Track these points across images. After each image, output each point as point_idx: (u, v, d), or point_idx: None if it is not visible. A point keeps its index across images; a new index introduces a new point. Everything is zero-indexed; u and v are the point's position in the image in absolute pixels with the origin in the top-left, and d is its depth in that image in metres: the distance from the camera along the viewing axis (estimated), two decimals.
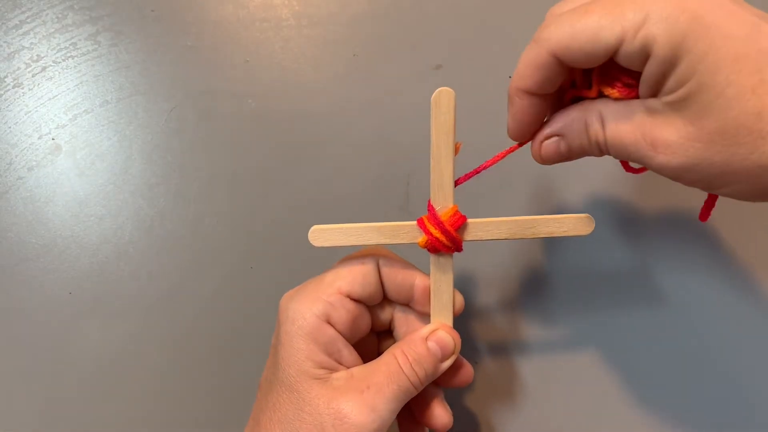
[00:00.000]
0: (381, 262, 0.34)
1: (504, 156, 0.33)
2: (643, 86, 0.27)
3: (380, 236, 0.33)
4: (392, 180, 0.44)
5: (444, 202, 0.33)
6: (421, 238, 0.33)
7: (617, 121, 0.28)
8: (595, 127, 0.29)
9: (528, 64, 0.28)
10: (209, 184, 0.45)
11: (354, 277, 0.33)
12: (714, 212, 0.32)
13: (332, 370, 0.32)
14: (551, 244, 0.44)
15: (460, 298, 0.35)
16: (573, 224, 0.33)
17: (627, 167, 0.34)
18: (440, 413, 0.35)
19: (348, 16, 0.46)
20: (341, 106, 0.45)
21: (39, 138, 0.45)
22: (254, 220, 0.44)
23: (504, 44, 0.45)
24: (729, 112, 0.25)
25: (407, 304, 0.35)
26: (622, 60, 0.26)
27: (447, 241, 0.32)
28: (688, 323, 0.43)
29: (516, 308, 0.43)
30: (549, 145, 0.31)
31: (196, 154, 0.45)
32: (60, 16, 0.46)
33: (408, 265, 0.35)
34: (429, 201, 0.33)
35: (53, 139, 0.45)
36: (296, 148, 0.45)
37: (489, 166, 0.33)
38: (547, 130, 0.31)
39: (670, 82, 0.25)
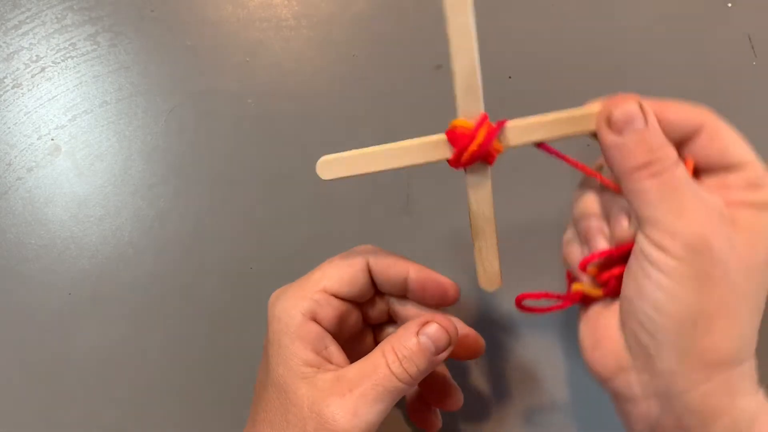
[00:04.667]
0: (371, 260, 0.34)
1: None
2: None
3: (405, 157, 0.30)
4: (393, 181, 0.44)
5: (474, 109, 0.29)
6: (451, 153, 0.29)
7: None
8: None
9: None
10: (209, 184, 0.45)
11: (341, 277, 0.33)
12: None
13: (320, 368, 0.31)
14: None
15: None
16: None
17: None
18: (449, 393, 0.35)
19: (348, 16, 0.46)
20: (341, 106, 0.45)
21: (38, 139, 0.45)
22: (254, 220, 0.44)
23: (504, 44, 0.45)
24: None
25: (404, 297, 0.35)
26: None
27: (483, 152, 0.29)
28: None
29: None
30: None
31: (196, 154, 0.45)
32: (59, 16, 0.46)
33: (399, 258, 0.34)
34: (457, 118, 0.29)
35: (52, 139, 0.45)
36: (296, 148, 0.45)
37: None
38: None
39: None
